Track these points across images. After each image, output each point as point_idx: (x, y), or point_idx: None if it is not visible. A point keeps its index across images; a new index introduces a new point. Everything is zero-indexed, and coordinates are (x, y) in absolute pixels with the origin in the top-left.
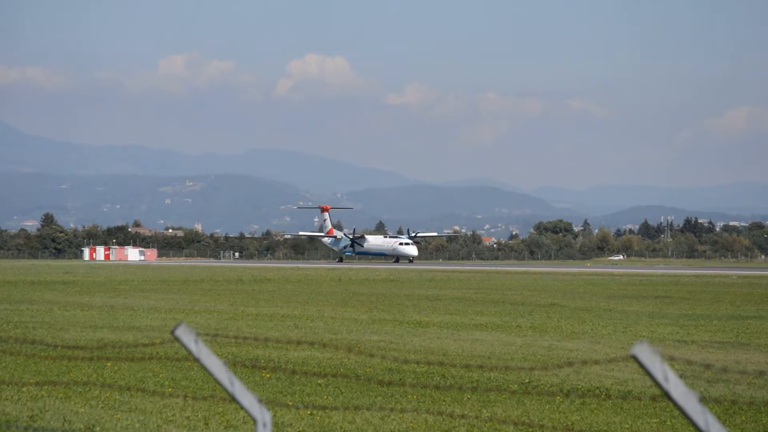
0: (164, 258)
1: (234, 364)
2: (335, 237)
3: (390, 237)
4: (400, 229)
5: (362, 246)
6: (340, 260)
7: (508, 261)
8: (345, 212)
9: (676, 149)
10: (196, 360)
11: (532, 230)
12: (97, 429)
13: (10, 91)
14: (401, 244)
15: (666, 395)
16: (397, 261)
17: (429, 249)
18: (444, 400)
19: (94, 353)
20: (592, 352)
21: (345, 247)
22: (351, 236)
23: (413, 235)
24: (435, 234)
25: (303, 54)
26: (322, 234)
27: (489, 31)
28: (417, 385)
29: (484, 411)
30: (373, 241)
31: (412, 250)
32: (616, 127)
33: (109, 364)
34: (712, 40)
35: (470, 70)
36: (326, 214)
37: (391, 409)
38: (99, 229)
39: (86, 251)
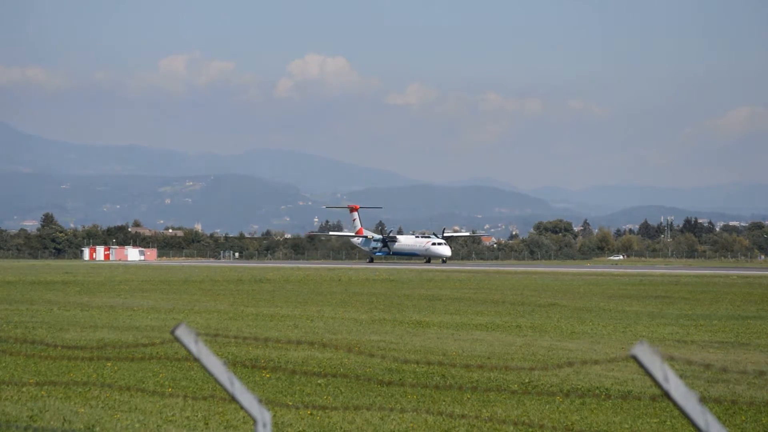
0: (164, 258)
1: (234, 364)
2: (365, 237)
3: (422, 237)
4: (400, 229)
5: (393, 246)
6: (371, 260)
7: (508, 261)
8: (345, 212)
9: (676, 149)
10: (196, 360)
11: (532, 230)
12: (97, 429)
13: (10, 91)
14: (434, 244)
15: (666, 395)
16: (428, 261)
17: None
18: (444, 400)
19: (94, 353)
20: (592, 352)
21: (376, 247)
22: (382, 236)
23: (445, 234)
24: (467, 234)
25: (303, 54)
26: (352, 234)
27: (490, 31)
28: (417, 385)
29: (484, 411)
30: (405, 241)
31: (446, 251)
32: (616, 127)
33: (109, 364)
34: (713, 40)
35: (471, 70)
36: (355, 214)
37: (391, 409)
38: (99, 229)
39: (86, 251)
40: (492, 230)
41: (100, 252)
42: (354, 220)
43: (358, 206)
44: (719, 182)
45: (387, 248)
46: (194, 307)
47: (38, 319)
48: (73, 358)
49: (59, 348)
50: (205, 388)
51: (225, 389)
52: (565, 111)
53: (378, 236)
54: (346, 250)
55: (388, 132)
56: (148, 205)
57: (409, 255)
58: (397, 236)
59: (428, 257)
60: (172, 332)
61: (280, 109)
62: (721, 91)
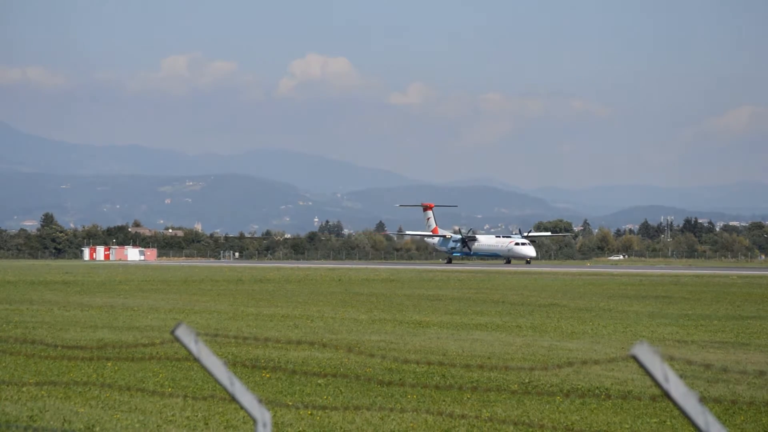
0: (164, 258)
1: (234, 364)
2: (443, 236)
3: (503, 237)
4: (400, 228)
5: (474, 246)
6: (449, 261)
7: None
8: (344, 211)
9: (676, 149)
10: (196, 360)
11: (532, 230)
12: (97, 429)
13: (10, 91)
14: (517, 244)
15: (666, 395)
16: (508, 262)
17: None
18: (444, 400)
19: (94, 353)
20: (592, 352)
21: (454, 247)
22: (461, 235)
23: (527, 234)
24: (549, 234)
25: (305, 54)
26: (428, 233)
27: (491, 31)
28: (417, 385)
29: (484, 411)
30: (485, 241)
31: (530, 251)
32: (616, 127)
33: (109, 364)
34: (713, 40)
35: (472, 70)
36: (429, 212)
37: (391, 409)
38: (99, 229)
39: (86, 251)
40: (492, 230)
41: (100, 252)
42: (428, 219)
43: (432, 204)
44: (719, 182)
45: (467, 248)
46: (194, 307)
47: (38, 319)
48: (73, 358)
49: (59, 348)
50: (205, 388)
51: (225, 389)
52: (565, 111)
53: (457, 236)
54: (346, 250)
55: (388, 132)
56: (148, 205)
57: (490, 256)
58: (477, 236)
59: (509, 258)
60: (172, 332)
61: (281, 109)
62: (722, 91)
